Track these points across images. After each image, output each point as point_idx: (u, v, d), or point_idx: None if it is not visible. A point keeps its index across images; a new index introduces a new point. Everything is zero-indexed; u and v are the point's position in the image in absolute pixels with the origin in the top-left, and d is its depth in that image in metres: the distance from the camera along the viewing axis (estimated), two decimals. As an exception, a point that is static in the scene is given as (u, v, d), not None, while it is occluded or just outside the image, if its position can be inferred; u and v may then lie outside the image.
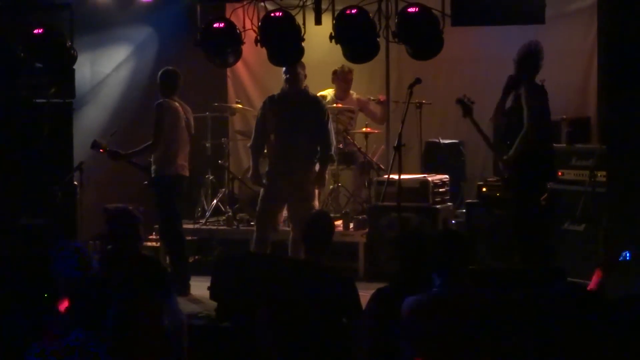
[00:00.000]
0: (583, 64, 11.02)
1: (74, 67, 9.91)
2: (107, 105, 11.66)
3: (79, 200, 10.23)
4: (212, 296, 8.04)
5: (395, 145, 8.68)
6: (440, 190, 10.12)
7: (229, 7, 9.99)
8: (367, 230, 10.21)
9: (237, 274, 7.92)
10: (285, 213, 9.45)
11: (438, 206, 9.98)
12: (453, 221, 10.31)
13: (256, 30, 8.97)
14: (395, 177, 8.81)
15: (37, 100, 10.04)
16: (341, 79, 11.15)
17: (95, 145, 9.56)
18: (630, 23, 7.86)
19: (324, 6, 9.08)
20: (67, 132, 10.36)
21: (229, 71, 12.47)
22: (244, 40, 9.19)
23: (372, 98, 11.20)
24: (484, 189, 9.78)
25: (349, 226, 10.40)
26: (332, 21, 8.75)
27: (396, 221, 9.39)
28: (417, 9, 8.51)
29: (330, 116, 9.55)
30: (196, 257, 10.73)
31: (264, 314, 6.04)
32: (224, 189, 11.30)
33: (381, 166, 10.74)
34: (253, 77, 12.52)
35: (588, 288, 6.47)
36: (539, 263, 8.27)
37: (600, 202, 8.62)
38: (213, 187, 11.45)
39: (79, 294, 5.10)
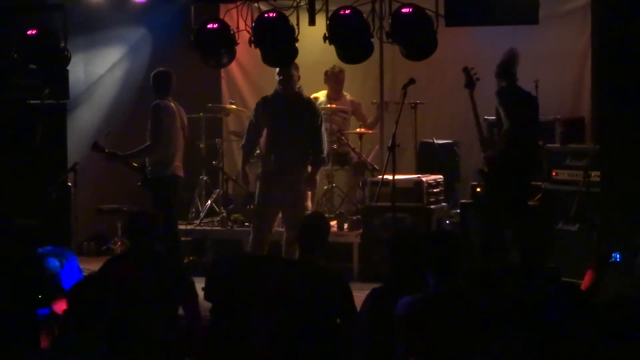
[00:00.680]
0: (577, 64, 11.02)
1: (68, 68, 9.92)
2: (101, 106, 11.67)
3: (73, 201, 10.23)
4: (207, 297, 8.02)
5: (389, 145, 8.68)
6: (435, 190, 10.12)
7: (222, 8, 9.98)
8: (361, 230, 10.21)
9: (231, 274, 7.91)
10: (279, 214, 9.45)
11: (432, 206, 9.98)
12: (447, 221, 10.32)
13: (250, 31, 8.97)
14: (390, 177, 8.82)
15: (31, 102, 10.05)
16: (332, 80, 11.14)
17: (96, 147, 9.53)
18: (624, 23, 7.88)
19: (317, 7, 9.07)
20: (61, 133, 10.37)
21: (222, 72, 12.45)
22: (238, 41, 9.19)
23: (373, 102, 11.19)
24: (478, 189, 9.78)
25: (343, 227, 10.41)
26: (326, 22, 8.75)
27: (390, 221, 9.39)
28: (411, 10, 8.51)
29: (324, 117, 9.55)
30: (190, 257, 10.72)
31: (259, 315, 6.04)
32: (218, 190, 11.29)
33: (375, 167, 10.73)
34: (247, 77, 12.51)
35: (581, 288, 6.47)
36: (528, 263, 8.35)
37: (594, 202, 8.64)
38: (207, 188, 11.44)
39: (79, 297, 5.09)
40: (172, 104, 9.45)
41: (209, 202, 11.24)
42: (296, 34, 8.85)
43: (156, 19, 11.51)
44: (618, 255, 6.96)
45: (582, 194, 8.85)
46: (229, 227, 10.90)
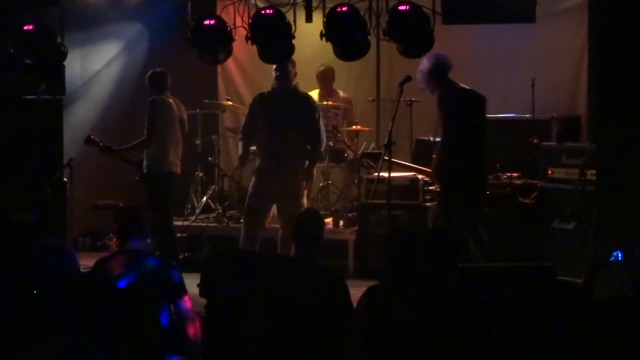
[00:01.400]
0: (573, 63, 11.01)
1: (64, 63, 9.89)
2: (97, 102, 11.67)
3: (68, 196, 10.22)
4: (202, 293, 8.02)
5: (385, 142, 8.67)
6: (430, 188, 10.12)
7: (219, 4, 9.99)
8: (356, 227, 10.21)
9: (227, 271, 7.90)
10: (274, 211, 9.45)
11: (428, 204, 9.97)
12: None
13: (247, 27, 8.96)
14: (385, 174, 8.81)
15: (27, 97, 10.03)
16: (319, 79, 11.35)
17: (89, 141, 9.55)
18: (621, 22, 7.87)
19: (314, 4, 9.06)
20: (57, 129, 10.36)
21: (219, 68, 12.46)
22: (235, 38, 9.17)
23: (369, 99, 11.19)
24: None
25: (338, 224, 10.41)
26: (323, 19, 8.75)
27: (386, 219, 9.40)
28: (407, 7, 8.51)
29: (321, 114, 9.56)
30: (186, 254, 10.71)
31: (254, 312, 6.04)
32: (213, 186, 11.29)
33: (371, 164, 10.73)
34: (243, 74, 12.52)
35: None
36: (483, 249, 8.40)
37: (590, 200, 8.64)
38: (203, 184, 11.44)
39: (70, 293, 5.07)
40: (170, 100, 9.45)
41: (205, 198, 11.24)
42: (293, 31, 8.85)
43: (153, 15, 11.50)
44: (620, 254, 6.93)
45: (578, 192, 8.86)
46: (225, 224, 10.90)
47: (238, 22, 9.12)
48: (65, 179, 10.18)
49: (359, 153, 10.22)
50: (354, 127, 11.02)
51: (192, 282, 7.95)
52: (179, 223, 10.68)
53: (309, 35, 9.17)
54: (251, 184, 9.32)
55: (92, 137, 9.62)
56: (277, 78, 9.16)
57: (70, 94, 10.78)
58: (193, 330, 6.40)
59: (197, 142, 11.34)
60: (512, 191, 9.72)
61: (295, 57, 9.09)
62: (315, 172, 9.52)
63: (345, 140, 10.93)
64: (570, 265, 8.54)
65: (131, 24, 11.77)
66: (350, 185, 11.15)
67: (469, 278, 6.20)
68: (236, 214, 10.94)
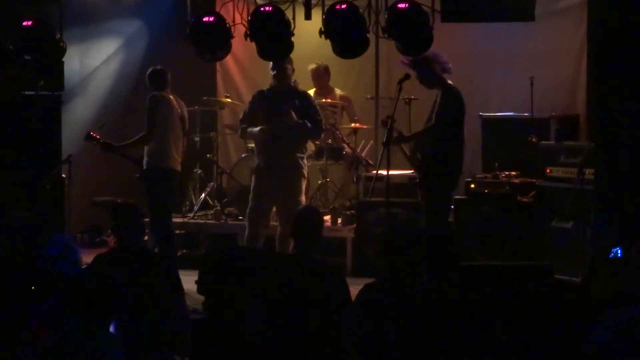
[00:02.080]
0: (572, 62, 11.01)
1: (63, 59, 9.87)
2: (96, 98, 11.67)
3: (67, 192, 10.22)
4: (200, 290, 8.02)
5: (384, 140, 8.67)
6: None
7: (218, 1, 9.97)
8: (355, 225, 10.22)
9: (225, 268, 7.91)
10: (274, 209, 9.45)
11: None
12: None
13: (246, 24, 8.96)
14: (384, 172, 8.81)
15: (26, 93, 10.02)
16: (312, 78, 11.32)
17: (89, 138, 9.55)
18: (620, 21, 7.87)
19: (313, 1, 9.05)
20: (55, 125, 10.37)
21: (218, 65, 12.45)
22: (234, 35, 9.16)
23: (368, 97, 11.20)
24: (472, 185, 9.79)
25: (337, 221, 10.41)
26: (322, 16, 8.75)
27: (384, 217, 9.40)
28: (407, 5, 8.50)
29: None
30: (184, 250, 10.72)
31: (253, 309, 6.05)
32: (212, 183, 11.30)
33: (370, 162, 10.74)
34: (242, 71, 12.51)
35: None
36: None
37: (589, 199, 8.64)
38: (201, 181, 11.44)
39: (75, 288, 5.07)
40: (171, 97, 9.45)
41: (203, 195, 11.24)
42: (292, 28, 8.84)
43: (152, 12, 11.51)
44: (619, 250, 6.93)
45: (577, 191, 8.86)
46: (223, 221, 10.91)
47: (237, 19, 9.11)
48: (63, 175, 10.17)
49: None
50: (352, 124, 11.02)
51: (190, 279, 7.97)
52: (178, 220, 10.68)
53: (308, 33, 9.17)
54: (252, 186, 9.33)
55: (92, 133, 9.61)
56: (275, 75, 9.18)
57: (69, 90, 10.78)
58: (187, 329, 6.42)
59: (196, 139, 11.33)
60: (510, 190, 9.72)
61: (294, 54, 9.08)
62: (312, 171, 9.50)
63: (344, 137, 10.94)
64: (568, 264, 8.55)
65: (130, 20, 11.77)
66: (348, 183, 11.15)
67: (466, 276, 6.21)
68: (234, 211, 10.96)
